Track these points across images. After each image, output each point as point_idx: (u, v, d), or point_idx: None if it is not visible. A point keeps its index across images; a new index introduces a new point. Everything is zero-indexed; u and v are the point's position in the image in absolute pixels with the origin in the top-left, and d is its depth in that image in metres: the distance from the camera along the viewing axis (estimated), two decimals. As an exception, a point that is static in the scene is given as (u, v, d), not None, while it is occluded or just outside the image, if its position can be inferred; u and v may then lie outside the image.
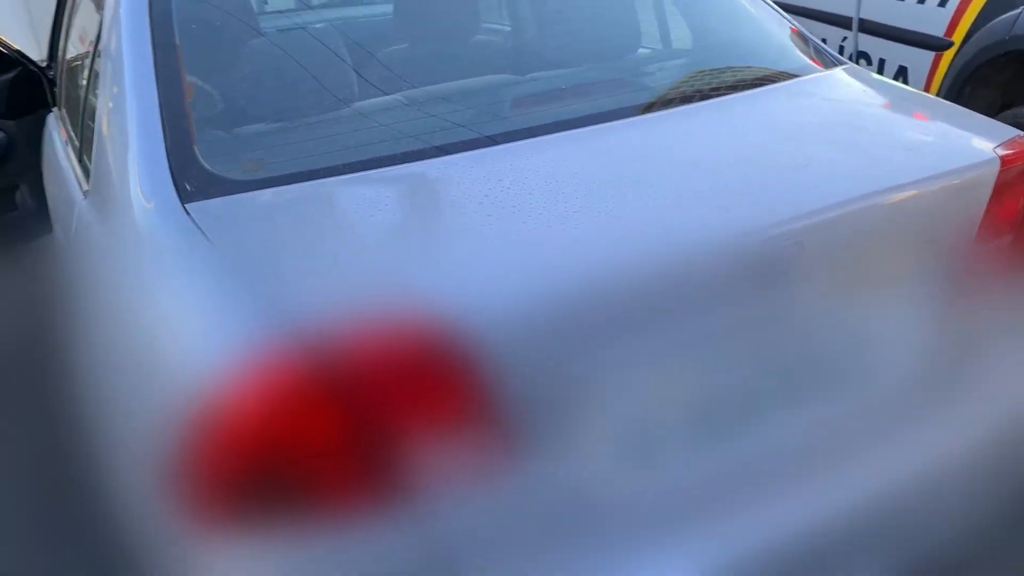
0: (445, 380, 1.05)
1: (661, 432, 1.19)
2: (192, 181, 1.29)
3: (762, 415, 1.25)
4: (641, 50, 2.05)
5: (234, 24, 1.70)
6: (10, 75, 2.97)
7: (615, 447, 1.16)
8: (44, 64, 3.05)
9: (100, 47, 1.70)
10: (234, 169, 1.38)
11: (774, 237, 1.22)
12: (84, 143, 1.76)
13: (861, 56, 3.65)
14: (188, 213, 1.24)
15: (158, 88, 1.41)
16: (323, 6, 2.84)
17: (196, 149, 1.35)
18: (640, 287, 1.13)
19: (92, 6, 2.26)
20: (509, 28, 2.68)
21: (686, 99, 1.61)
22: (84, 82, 2.02)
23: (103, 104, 1.56)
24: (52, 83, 3.00)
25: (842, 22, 3.68)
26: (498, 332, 1.05)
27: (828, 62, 1.89)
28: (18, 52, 2.98)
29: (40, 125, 2.90)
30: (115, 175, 1.41)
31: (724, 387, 1.22)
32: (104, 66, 1.61)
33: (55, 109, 2.65)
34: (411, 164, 1.36)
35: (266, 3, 2.37)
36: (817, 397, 1.29)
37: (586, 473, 1.14)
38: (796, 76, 1.78)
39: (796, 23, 2.11)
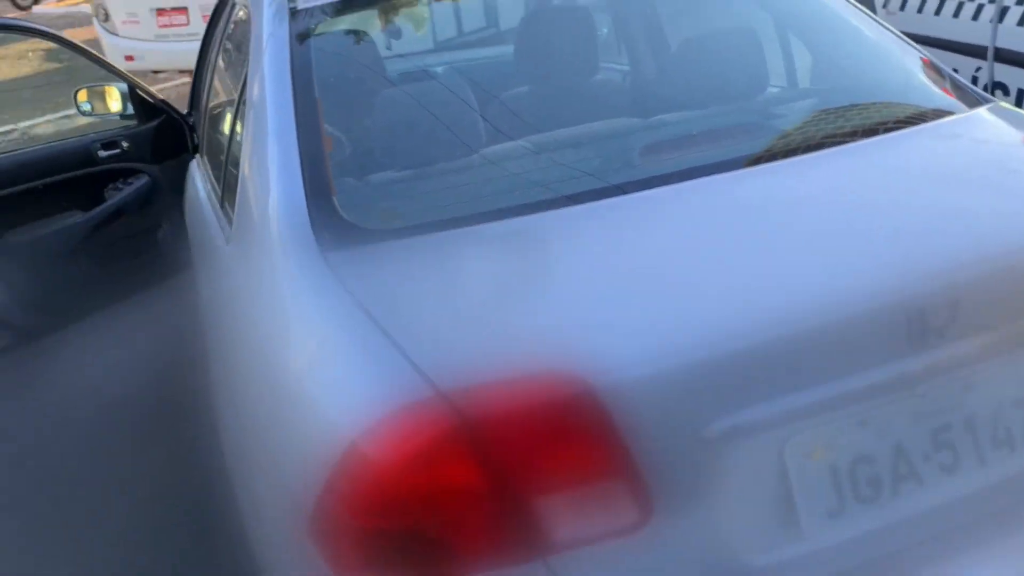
0: (585, 438, 1.03)
1: (807, 495, 1.14)
2: (331, 230, 1.33)
3: (918, 480, 1.17)
4: (770, 89, 2.00)
5: (368, 75, 1.76)
6: (155, 122, 3.18)
7: (759, 510, 1.11)
8: (186, 112, 3.26)
9: (243, 98, 1.79)
10: (371, 219, 1.42)
11: (936, 289, 1.15)
12: (227, 190, 1.85)
13: (997, 87, 3.46)
14: (327, 262, 1.27)
15: (299, 139, 1.47)
16: (443, 47, 2.92)
17: (335, 199, 1.40)
18: (791, 343, 1.09)
19: (234, 59, 2.39)
20: (627, 67, 2.68)
21: (823, 143, 1.55)
22: (227, 131, 2.12)
23: (246, 153, 1.63)
24: (192, 130, 3.20)
25: (973, 51, 3.51)
26: (640, 389, 1.03)
27: (969, 98, 1.79)
28: (163, 101, 3.19)
29: (182, 169, 3.08)
30: (256, 223, 1.47)
31: (876, 449, 1.15)
32: (247, 117, 1.69)
33: (197, 156, 2.80)
34: (544, 214, 1.35)
35: (389, 48, 2.44)
36: (981, 464, 1.20)
37: (726, 536, 1.10)
38: (938, 115, 1.69)
39: (927, 53, 2.02)
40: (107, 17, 7.73)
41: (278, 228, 1.37)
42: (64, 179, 2.94)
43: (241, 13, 2.18)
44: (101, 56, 3.09)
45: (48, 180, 2.89)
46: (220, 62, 2.56)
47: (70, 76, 8.41)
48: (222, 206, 1.89)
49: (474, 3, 3.14)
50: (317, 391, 1.11)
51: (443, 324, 1.12)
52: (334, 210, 1.38)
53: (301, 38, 1.72)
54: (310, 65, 1.64)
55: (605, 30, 2.74)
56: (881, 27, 2.01)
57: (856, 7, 2.07)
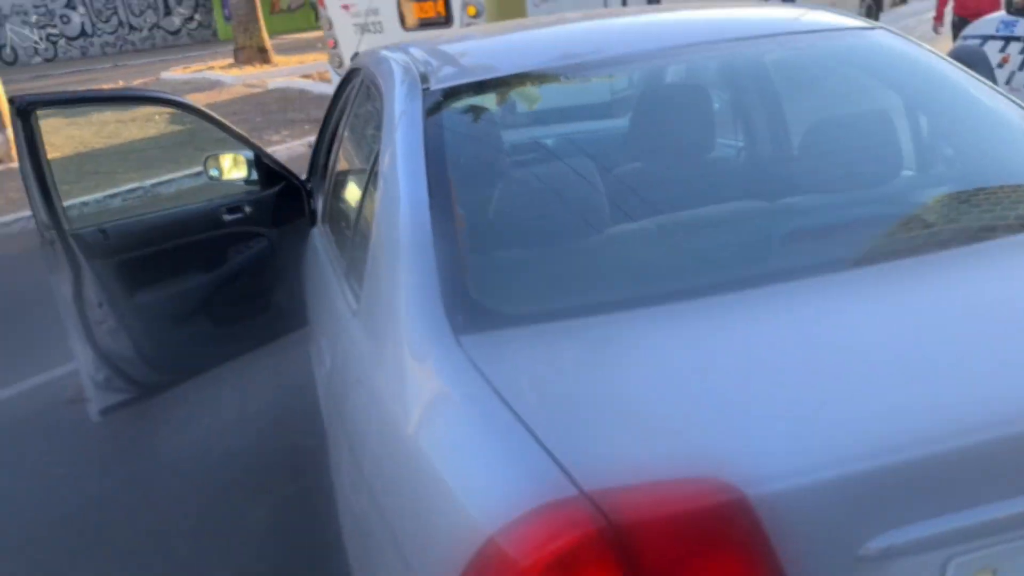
0: (736, 551, 0.97)
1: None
2: (464, 313, 1.32)
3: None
4: (904, 172, 1.92)
5: (499, 154, 1.77)
6: (276, 188, 3.31)
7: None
8: (304, 179, 3.38)
9: (373, 172, 1.83)
10: (505, 301, 1.40)
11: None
12: (353, 262, 1.88)
13: None
14: (462, 346, 1.26)
15: (432, 218, 1.48)
16: (571, 124, 2.94)
17: (467, 280, 1.40)
18: (961, 458, 1.01)
19: (361, 132, 2.46)
20: (745, 144, 2.64)
21: (975, 234, 1.47)
22: (353, 203, 2.17)
23: (375, 228, 1.65)
24: (309, 196, 3.31)
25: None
26: (796, 501, 0.97)
27: None
28: (284, 168, 3.32)
29: (298, 234, 3.18)
30: (385, 300, 1.48)
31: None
32: (376, 192, 1.71)
33: (319, 223, 2.87)
34: (690, 302, 1.31)
35: (518, 127, 2.48)
36: None
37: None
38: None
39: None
40: (341, 64, 8.46)
41: (409, 308, 1.37)
42: (191, 241, 3.07)
43: (369, 87, 2.25)
44: (230, 125, 3.24)
45: (178, 242, 3.02)
46: (346, 134, 2.64)
47: (192, 137, 8.95)
48: (347, 277, 1.92)
49: (601, 80, 3.17)
50: (453, 482, 1.09)
51: (587, 418, 1.09)
52: (466, 291, 1.37)
53: (432, 115, 1.74)
54: (442, 143, 1.66)
55: (717, 105, 2.71)
56: (1015, 104, 1.91)
57: (983, 82, 1.99)
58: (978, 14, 6.85)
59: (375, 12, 8.16)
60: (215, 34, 27.90)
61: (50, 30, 23.75)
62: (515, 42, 2.32)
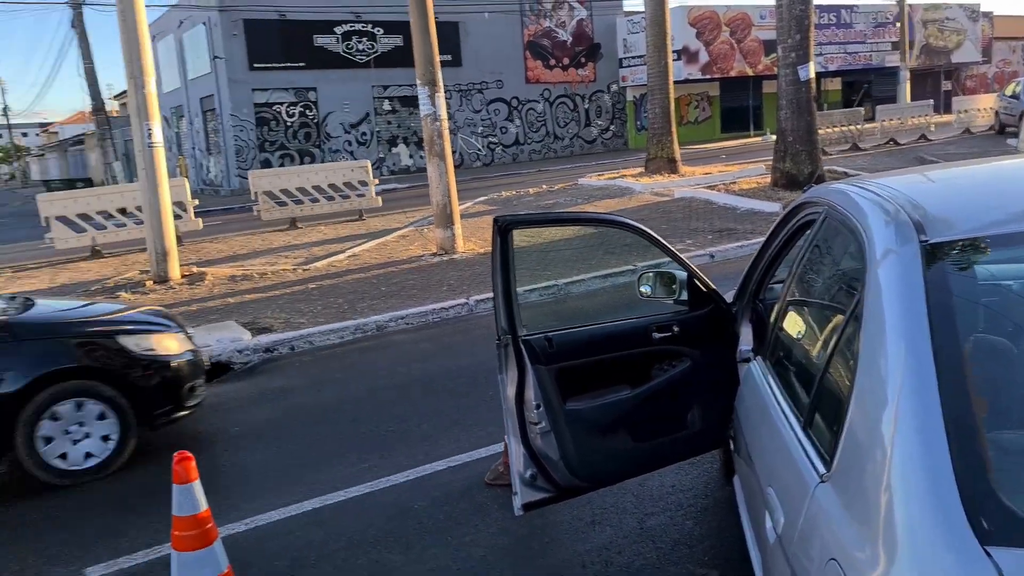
0: None
1: None
2: (992, 519, 1.13)
3: None
4: None
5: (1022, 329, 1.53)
6: (704, 311, 3.32)
7: None
8: (730, 302, 3.34)
9: (851, 324, 1.69)
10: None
11: None
12: (818, 419, 1.75)
13: None
14: (994, 562, 1.07)
15: (942, 399, 1.30)
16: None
17: (992, 479, 1.20)
18: None
19: (824, 273, 2.34)
20: None
21: None
22: (814, 352, 2.05)
23: (859, 395, 1.49)
24: (733, 321, 3.26)
25: None
26: None
27: None
28: (713, 291, 3.33)
29: (717, 357, 3.15)
30: (875, 483, 1.30)
31: None
32: (858, 350, 1.57)
33: (755, 355, 2.78)
34: None
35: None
36: None
37: None
38: None
39: None
40: None
41: (914, 504, 1.20)
42: (621, 355, 3.19)
43: (837, 226, 2.13)
44: (671, 247, 3.35)
45: (610, 355, 3.16)
46: (799, 271, 2.51)
47: (602, 241, 9.53)
48: (808, 431, 1.80)
49: None
50: None
51: None
52: (992, 493, 1.18)
53: (935, 272, 1.55)
54: (950, 308, 1.47)
55: None
56: None
57: None
58: None
59: None
60: (626, 144, 29.96)
61: (490, 139, 27.44)
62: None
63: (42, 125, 77.41)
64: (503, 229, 2.86)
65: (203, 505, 2.75)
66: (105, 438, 4.53)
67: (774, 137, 13.72)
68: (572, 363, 3.09)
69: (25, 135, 76.75)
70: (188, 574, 2.73)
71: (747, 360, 2.87)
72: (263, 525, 3.74)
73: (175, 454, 2.77)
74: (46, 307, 5.11)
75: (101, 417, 4.52)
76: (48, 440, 4.39)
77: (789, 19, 12.25)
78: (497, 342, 3.06)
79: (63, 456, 4.42)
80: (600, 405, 3.13)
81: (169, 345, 4.86)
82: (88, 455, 4.48)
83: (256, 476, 4.36)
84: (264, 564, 3.41)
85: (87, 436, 4.49)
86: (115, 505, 4.16)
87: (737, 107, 30.21)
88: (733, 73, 28.24)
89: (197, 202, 13.31)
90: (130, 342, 4.69)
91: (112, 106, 35.80)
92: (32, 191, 34.81)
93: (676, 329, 3.27)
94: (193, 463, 2.76)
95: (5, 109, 56.37)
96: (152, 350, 4.75)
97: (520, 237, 3.01)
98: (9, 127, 61.21)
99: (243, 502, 3.97)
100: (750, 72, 28.60)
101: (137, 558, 3.55)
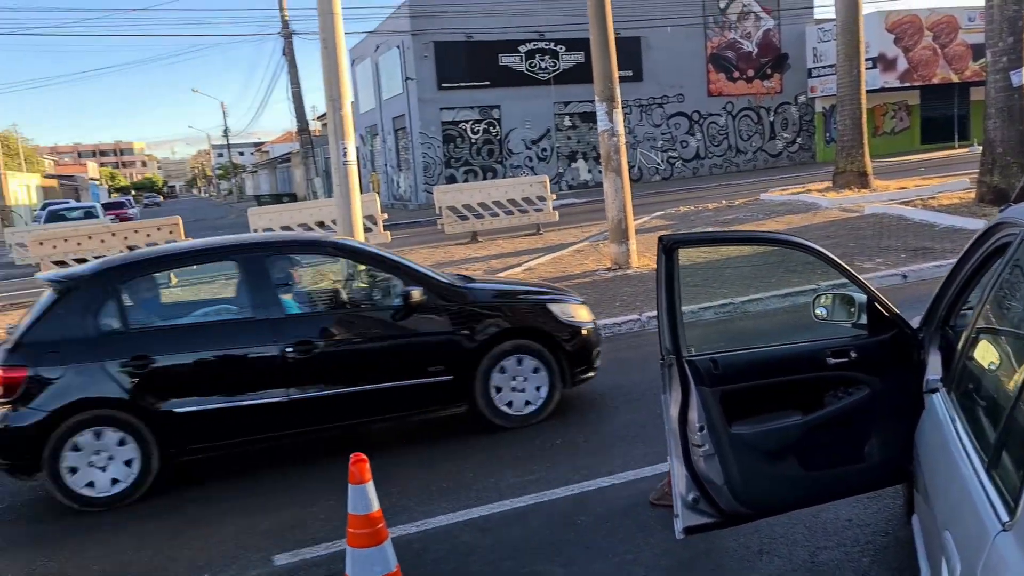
0: None
1: None
2: None
3: None
4: None
5: None
6: (885, 336, 3.12)
7: None
8: (917, 328, 3.12)
9: None
10: None
11: None
12: (1006, 456, 1.62)
13: None
14: None
15: None
16: None
17: None
18: None
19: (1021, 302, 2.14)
20: None
21: None
22: (1006, 382, 1.89)
23: None
24: (920, 347, 3.03)
25: None
26: None
27: None
28: (897, 315, 3.12)
29: (900, 386, 2.94)
30: None
31: None
32: None
33: (942, 387, 2.59)
34: None
35: None
36: None
37: None
38: None
39: None
40: None
41: None
42: (792, 380, 3.06)
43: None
44: (850, 269, 3.18)
45: (779, 380, 3.04)
46: (997, 297, 2.31)
47: (783, 259, 9.15)
48: (992, 473, 1.66)
49: None
50: None
51: None
52: None
53: None
54: None
55: None
56: None
57: None
58: None
59: None
60: (813, 157, 28.62)
61: (670, 153, 27.12)
62: None
63: (255, 145, 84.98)
64: (668, 248, 2.84)
65: (375, 505, 2.92)
66: (538, 388, 5.29)
67: (981, 148, 12.67)
68: (739, 386, 3.00)
69: (242, 154, 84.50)
70: (361, 569, 2.90)
71: (934, 391, 2.67)
72: (430, 529, 3.90)
73: (351, 455, 2.95)
74: (484, 283, 6.02)
75: (535, 371, 5.30)
76: (499, 389, 5.22)
77: (1001, 20, 11.27)
78: (661, 362, 3.03)
79: (509, 404, 5.25)
80: (768, 430, 3.02)
81: (583, 314, 5.61)
82: (527, 403, 5.28)
83: (419, 485, 4.55)
84: (430, 567, 3.56)
85: (525, 386, 5.29)
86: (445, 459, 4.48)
87: (939, 116, 28.10)
88: (935, 80, 26.32)
89: (386, 216, 14.11)
90: (556, 309, 5.49)
91: (315, 126, 38.70)
92: (246, 205, 38.22)
93: (854, 354, 3.10)
94: (367, 464, 2.94)
95: (226, 131, 62.07)
96: (572, 317, 5.52)
97: (696, 253, 2.97)
98: (228, 147, 67.43)
99: (415, 505, 4.17)
100: (955, 79, 26.53)
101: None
